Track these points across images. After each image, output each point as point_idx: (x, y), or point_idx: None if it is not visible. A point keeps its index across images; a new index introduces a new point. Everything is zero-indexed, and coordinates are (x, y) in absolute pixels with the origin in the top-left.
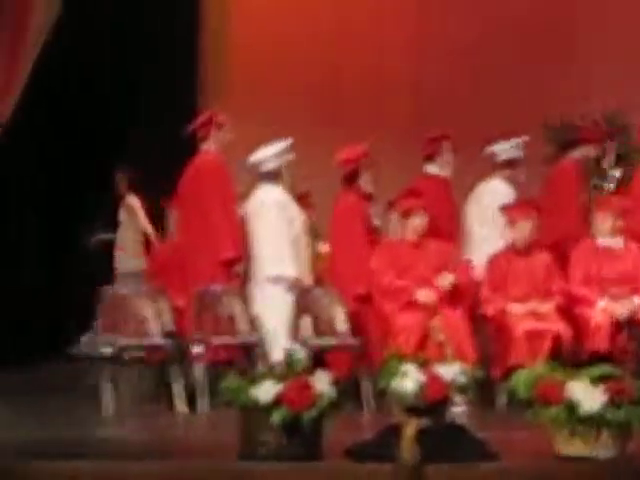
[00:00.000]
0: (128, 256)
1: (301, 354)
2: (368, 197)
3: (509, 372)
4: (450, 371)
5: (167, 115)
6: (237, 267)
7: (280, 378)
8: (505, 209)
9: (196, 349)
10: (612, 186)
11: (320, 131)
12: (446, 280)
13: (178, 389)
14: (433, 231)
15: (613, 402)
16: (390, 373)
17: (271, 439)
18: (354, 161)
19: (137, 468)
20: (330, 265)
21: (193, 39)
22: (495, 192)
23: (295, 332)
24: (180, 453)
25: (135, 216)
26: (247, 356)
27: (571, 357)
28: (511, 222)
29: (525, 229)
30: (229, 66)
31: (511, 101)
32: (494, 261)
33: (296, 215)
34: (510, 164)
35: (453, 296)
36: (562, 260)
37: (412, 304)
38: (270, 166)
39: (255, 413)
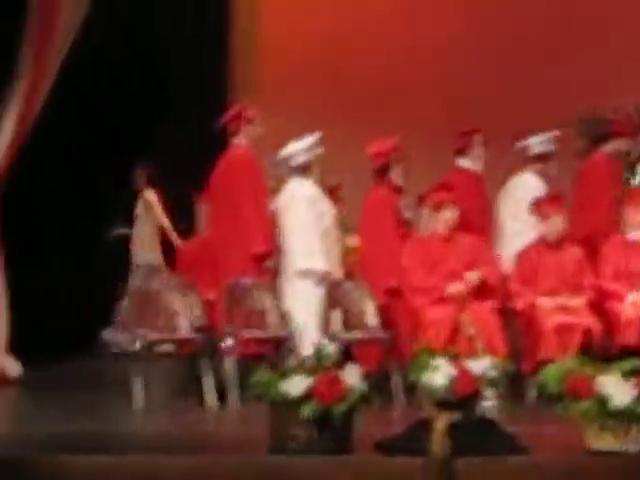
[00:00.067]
0: (144, 250)
1: (331, 348)
2: (398, 190)
3: (539, 366)
4: (480, 365)
5: (197, 111)
6: (268, 261)
7: (310, 372)
8: (537, 203)
9: (227, 343)
10: None
11: (350, 125)
12: (474, 276)
13: (208, 383)
14: (464, 225)
15: None
16: (420, 367)
17: (301, 433)
18: (385, 155)
19: (167, 462)
20: (360, 258)
21: (223, 36)
22: (527, 186)
23: (325, 326)
24: (210, 447)
25: (152, 211)
26: (277, 350)
27: (601, 351)
28: (543, 216)
29: (557, 223)
30: (259, 62)
31: (543, 95)
32: (524, 255)
33: (326, 209)
34: (542, 158)
35: (482, 291)
36: (593, 255)
37: (442, 299)
38: (300, 160)
39: (285, 407)
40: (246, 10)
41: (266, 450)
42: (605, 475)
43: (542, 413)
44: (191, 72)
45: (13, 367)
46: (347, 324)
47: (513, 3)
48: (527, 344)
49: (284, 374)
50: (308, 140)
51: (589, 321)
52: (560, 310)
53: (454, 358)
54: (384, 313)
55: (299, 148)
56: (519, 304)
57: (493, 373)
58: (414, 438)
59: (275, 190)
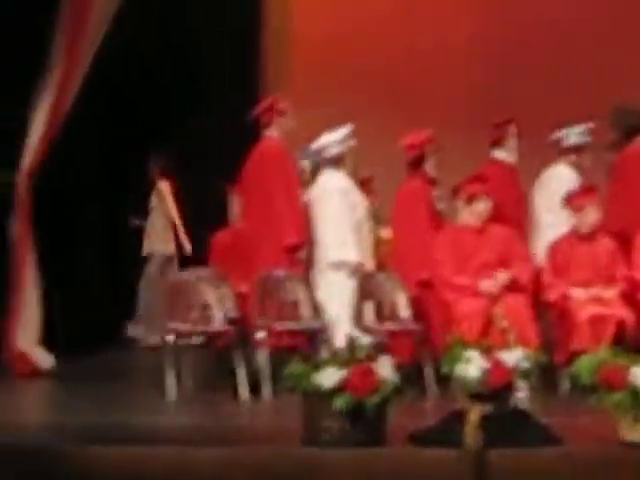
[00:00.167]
0: (158, 240)
1: (365, 340)
2: (432, 182)
3: (572, 357)
4: (513, 357)
5: (229, 103)
6: (300, 253)
7: (343, 364)
8: (570, 196)
9: (259, 335)
10: None
11: (382, 118)
12: (504, 277)
13: (241, 375)
14: (499, 217)
15: None
16: (453, 359)
17: (334, 425)
18: (419, 146)
19: (200, 454)
20: (393, 250)
21: (255, 28)
22: (561, 178)
23: (358, 318)
24: (243, 439)
25: (164, 201)
26: (310, 342)
27: (634, 342)
28: (577, 208)
29: (591, 215)
30: (291, 54)
31: (578, 87)
32: (557, 247)
33: (358, 201)
34: (576, 150)
35: (514, 287)
36: (627, 247)
37: (474, 293)
38: (333, 152)
39: (318, 399)
40: (279, 1)
41: (299, 442)
42: (639, 466)
43: (575, 404)
44: (223, 65)
45: (45, 359)
46: (380, 316)
47: None
48: (560, 335)
49: (317, 366)
50: (341, 132)
51: (622, 312)
52: (593, 301)
53: (487, 350)
54: (416, 305)
55: (332, 140)
56: (552, 296)
57: (526, 365)
58: (447, 430)
59: (307, 182)
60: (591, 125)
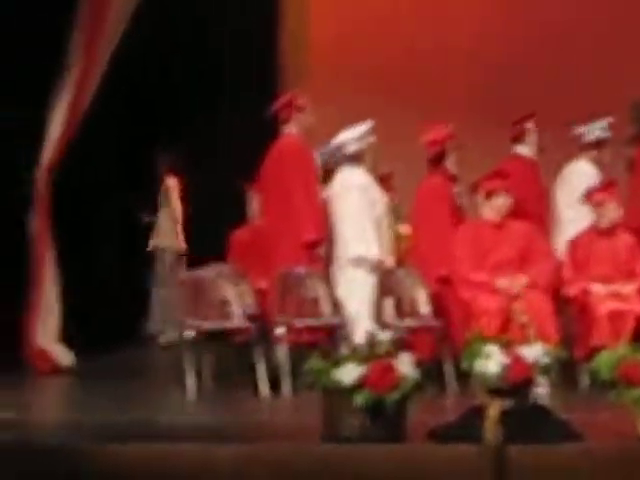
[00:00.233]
0: (165, 236)
1: (385, 336)
2: (453, 179)
3: (592, 353)
4: (533, 352)
5: (247, 100)
6: (319, 249)
7: (363, 360)
8: (592, 191)
9: (279, 331)
10: None
11: (401, 115)
12: (522, 281)
13: (261, 372)
14: (521, 213)
15: None
16: (473, 355)
17: (354, 422)
18: (440, 143)
19: (220, 451)
20: (413, 247)
21: (273, 25)
22: (581, 173)
23: (378, 314)
24: (263, 436)
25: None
26: (330, 338)
27: None
28: (597, 203)
29: (611, 210)
30: (310, 50)
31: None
32: (577, 242)
33: (378, 197)
34: (597, 145)
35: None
36: None
37: (493, 290)
38: (352, 149)
39: (338, 395)
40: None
41: (319, 438)
42: None
43: (595, 400)
44: (241, 62)
45: (65, 356)
46: (399, 312)
47: None
48: (580, 331)
49: (337, 362)
50: (360, 129)
51: None
52: (613, 297)
53: (507, 345)
54: (436, 301)
55: (351, 137)
56: (572, 291)
57: (546, 360)
58: (467, 426)
59: (326, 178)
60: (610, 120)
